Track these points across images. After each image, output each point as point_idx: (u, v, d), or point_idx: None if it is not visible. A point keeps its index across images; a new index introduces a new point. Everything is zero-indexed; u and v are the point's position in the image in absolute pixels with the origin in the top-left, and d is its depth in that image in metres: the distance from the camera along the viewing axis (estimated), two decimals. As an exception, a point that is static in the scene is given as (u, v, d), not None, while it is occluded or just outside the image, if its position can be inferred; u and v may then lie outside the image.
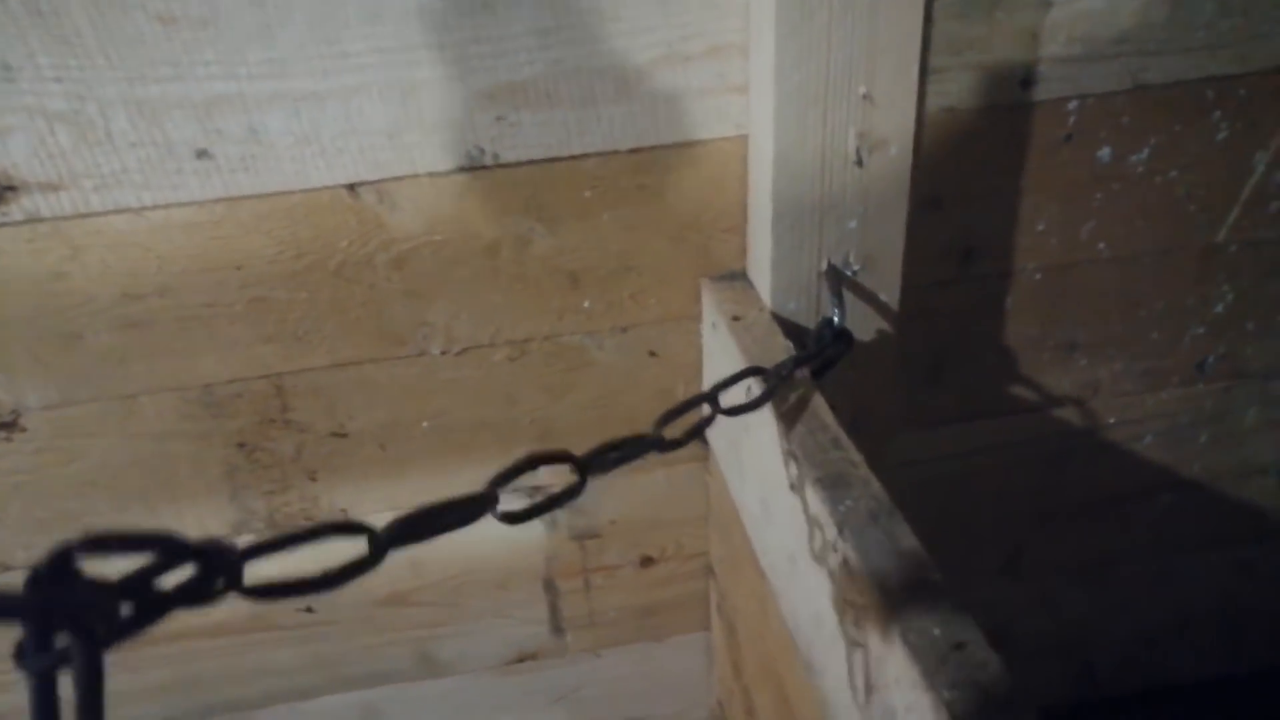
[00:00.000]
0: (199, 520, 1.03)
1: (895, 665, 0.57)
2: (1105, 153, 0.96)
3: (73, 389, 0.94)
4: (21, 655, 0.36)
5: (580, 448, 1.05)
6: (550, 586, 1.17)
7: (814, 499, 0.69)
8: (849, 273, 0.89)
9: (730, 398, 0.75)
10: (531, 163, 0.91)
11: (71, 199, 0.85)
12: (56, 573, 0.35)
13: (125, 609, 0.39)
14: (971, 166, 0.95)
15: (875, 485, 0.68)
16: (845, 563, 0.65)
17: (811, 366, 0.85)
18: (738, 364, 0.84)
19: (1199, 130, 0.97)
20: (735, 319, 0.91)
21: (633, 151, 0.91)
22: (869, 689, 0.62)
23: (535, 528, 1.11)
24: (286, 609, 1.11)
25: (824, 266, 0.89)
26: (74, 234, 0.87)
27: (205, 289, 0.92)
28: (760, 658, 0.97)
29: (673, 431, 0.68)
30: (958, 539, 1.20)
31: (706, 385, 1.02)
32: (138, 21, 0.79)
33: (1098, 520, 1.22)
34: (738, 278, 0.98)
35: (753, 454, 0.86)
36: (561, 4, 0.84)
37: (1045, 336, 1.07)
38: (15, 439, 0.95)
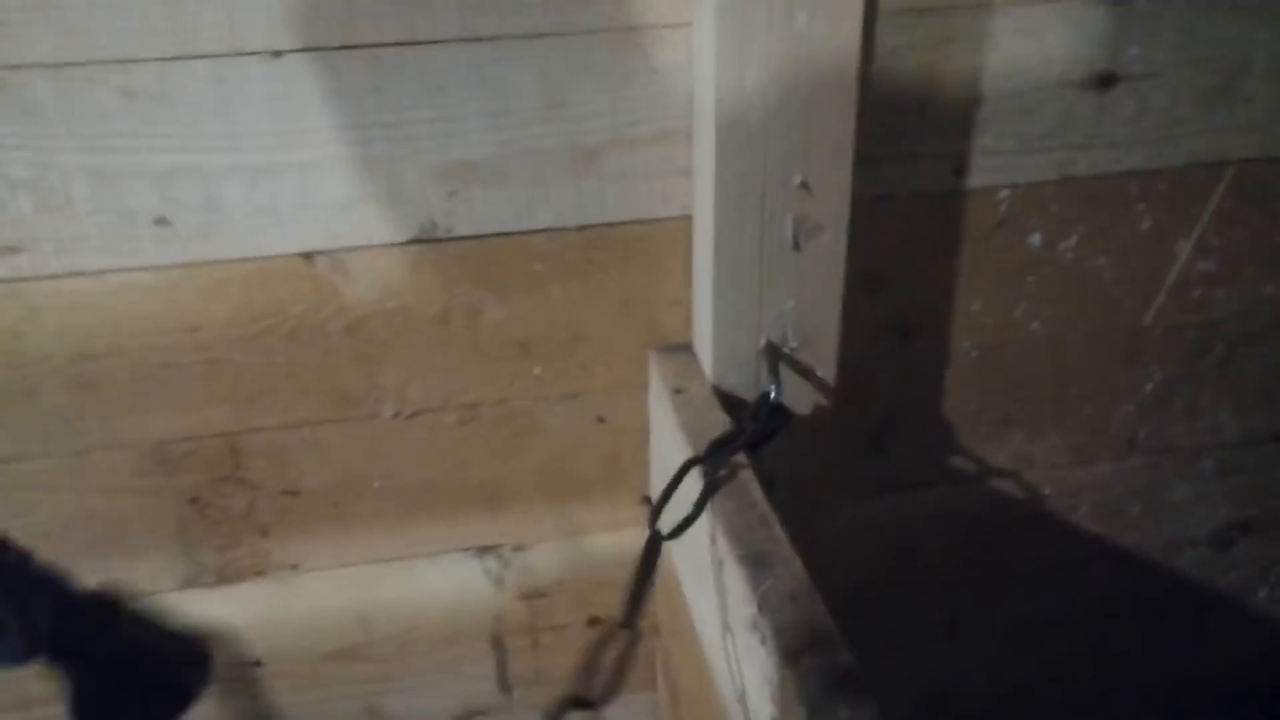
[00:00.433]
0: (150, 574, 1.05)
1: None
2: (1036, 238, 1.00)
3: (26, 444, 0.96)
4: None
5: (529, 511, 1.09)
6: (498, 644, 1.18)
7: (736, 576, 0.71)
8: (787, 349, 0.92)
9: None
10: (483, 236, 0.94)
11: (31, 261, 0.88)
12: None
13: None
14: (908, 249, 0.99)
15: (796, 565, 0.71)
16: (764, 641, 0.67)
17: (748, 440, 0.88)
18: (678, 437, 0.88)
19: (1124, 220, 1.01)
20: (677, 391, 0.94)
21: (581, 229, 0.95)
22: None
23: (483, 586, 1.13)
24: (234, 662, 1.12)
25: (763, 343, 0.92)
26: (32, 295, 0.89)
27: (161, 350, 0.94)
28: (697, 721, 1.00)
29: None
30: (899, 605, 1.23)
31: (653, 452, 1.05)
32: (99, 96, 0.82)
33: (1037, 588, 1.25)
34: (683, 349, 1.01)
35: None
36: (512, 89, 0.87)
37: (982, 411, 1.11)
38: (-32, 493, 0.97)
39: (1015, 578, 1.23)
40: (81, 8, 0.79)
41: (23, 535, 0.99)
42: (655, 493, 1.06)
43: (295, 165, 0.88)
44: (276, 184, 0.88)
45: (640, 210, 0.94)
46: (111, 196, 0.86)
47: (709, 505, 0.79)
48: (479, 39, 0.86)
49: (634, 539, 1.12)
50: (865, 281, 0.99)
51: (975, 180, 0.97)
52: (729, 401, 0.93)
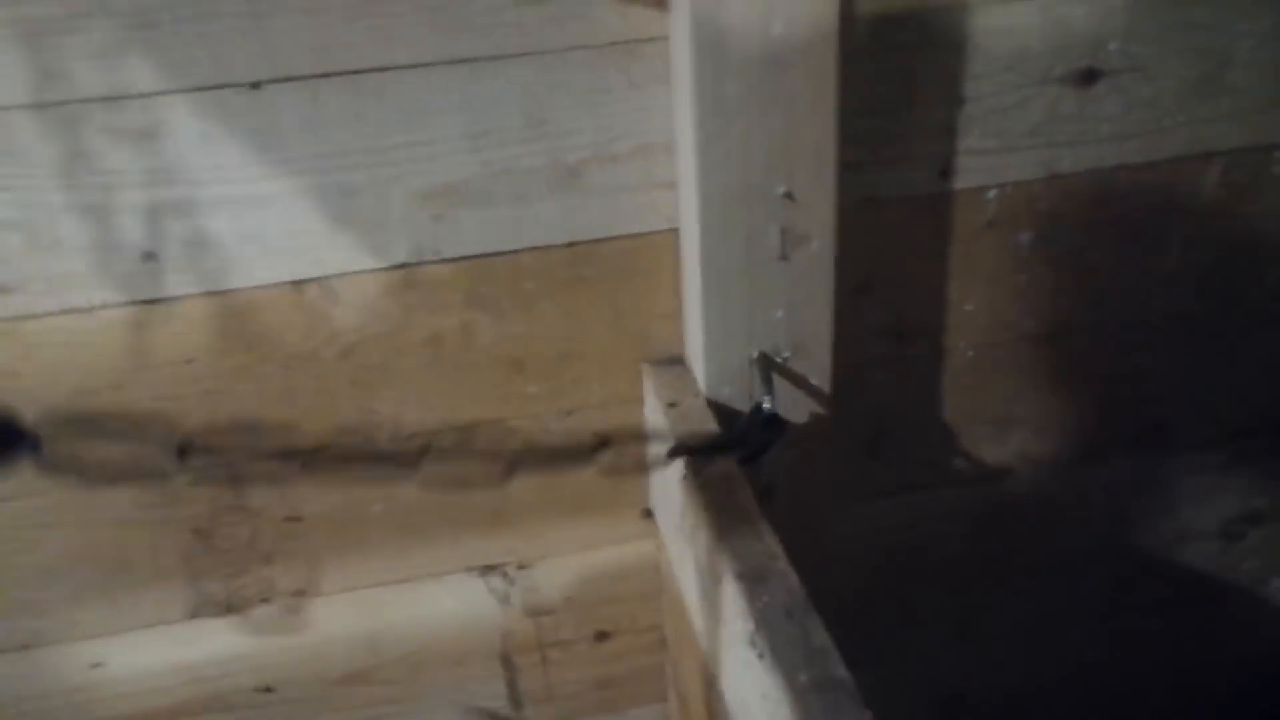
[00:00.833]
0: (157, 606, 1.05)
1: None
2: (1026, 237, 1.00)
3: (30, 480, 0.96)
4: None
5: (531, 529, 1.09)
6: (507, 662, 1.18)
7: (733, 593, 0.71)
8: (779, 359, 0.92)
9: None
10: (472, 258, 0.94)
11: (24, 300, 0.88)
12: None
13: None
14: (898, 253, 0.99)
15: (792, 580, 0.71)
16: (761, 657, 0.67)
17: (743, 454, 0.88)
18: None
19: (1114, 214, 1.01)
20: (671, 405, 0.94)
21: (569, 245, 0.95)
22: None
23: (489, 605, 1.13)
24: (245, 690, 1.12)
25: (755, 354, 0.92)
26: (25, 333, 0.90)
27: (156, 384, 0.94)
28: (706, 734, 0.99)
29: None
30: (907, 607, 1.22)
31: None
32: (84, 136, 0.83)
33: (1043, 587, 1.24)
34: (677, 362, 1.01)
35: (678, 540, 0.89)
36: (492, 110, 0.87)
37: (981, 411, 1.10)
38: (-27, 532, 0.98)
39: (1023, 576, 1.23)
40: (64, 48, 0.79)
41: (28, 572, 1.00)
42: (656, 506, 1.06)
43: (280, 195, 0.88)
44: (263, 214, 0.89)
45: (627, 225, 0.94)
46: (99, 233, 0.87)
47: (705, 520, 0.79)
48: (457, 61, 0.86)
49: (637, 552, 1.13)
50: (857, 287, 0.99)
51: (962, 181, 0.97)
52: (723, 413, 0.93)
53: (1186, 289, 1.07)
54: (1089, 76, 0.94)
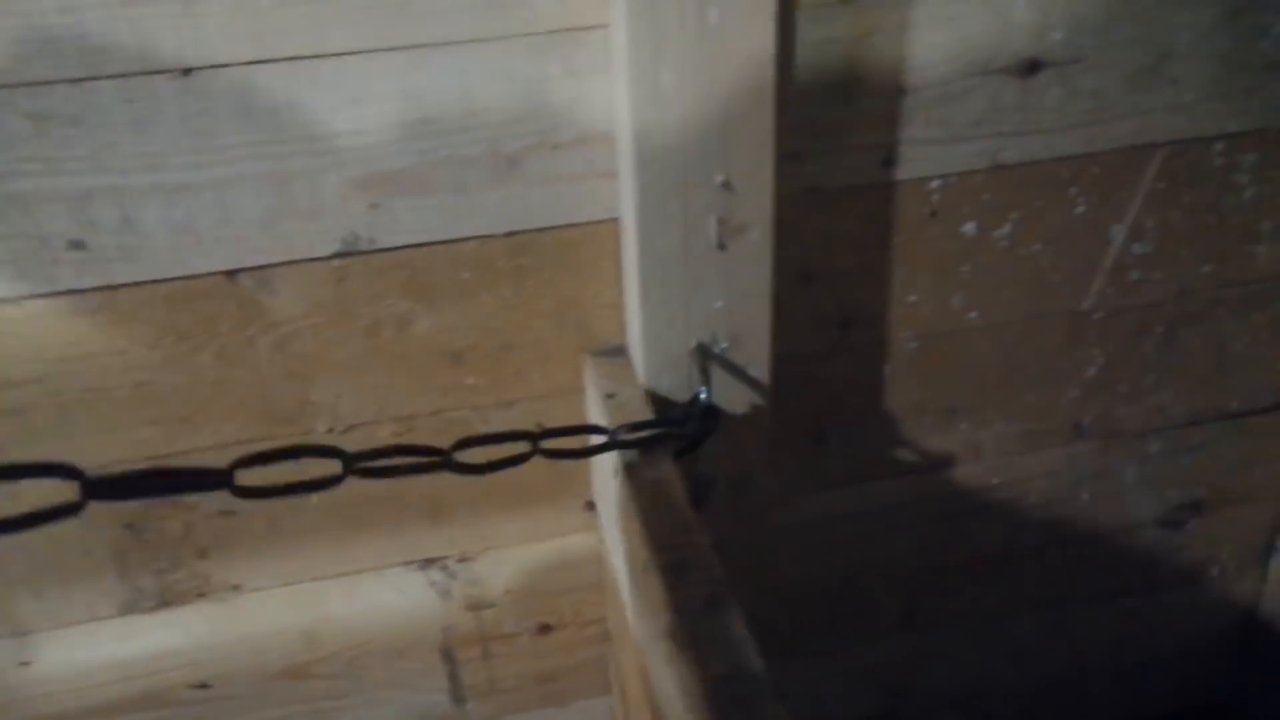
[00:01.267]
0: (88, 602, 1.03)
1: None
2: (970, 227, 1.00)
3: (-47, 475, 0.94)
4: None
5: (472, 521, 1.07)
6: (449, 656, 1.17)
7: (656, 584, 0.71)
8: (718, 350, 0.91)
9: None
10: (409, 247, 0.92)
11: (-53, 290, 0.86)
12: None
13: None
14: (841, 243, 0.98)
15: (716, 571, 0.70)
16: (679, 649, 0.67)
17: (680, 445, 0.87)
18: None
19: (1057, 205, 1.01)
20: (609, 396, 0.93)
21: (509, 235, 0.93)
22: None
23: (430, 598, 1.12)
24: (180, 686, 1.11)
25: (693, 345, 0.91)
26: (-50, 325, 0.87)
27: (86, 375, 0.92)
28: (647, 727, 0.99)
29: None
30: (852, 597, 1.22)
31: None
32: (6, 119, 0.80)
33: (988, 575, 1.25)
34: (618, 353, 1.00)
35: (614, 531, 0.88)
36: (430, 99, 0.86)
37: (926, 401, 1.10)
38: (-106, 528, 0.95)
39: (968, 566, 1.23)
40: (-20, 31, 0.77)
41: (-46, 568, 0.98)
42: (598, 498, 1.05)
43: (213, 183, 0.86)
44: (195, 202, 0.87)
45: (567, 214, 0.93)
46: (24, 221, 0.85)
47: (633, 511, 0.78)
48: (394, 48, 0.84)
49: (580, 544, 1.12)
50: (800, 276, 0.99)
51: (905, 171, 0.96)
52: (662, 404, 0.92)
53: (1128, 280, 1.07)
54: (1032, 67, 0.94)
